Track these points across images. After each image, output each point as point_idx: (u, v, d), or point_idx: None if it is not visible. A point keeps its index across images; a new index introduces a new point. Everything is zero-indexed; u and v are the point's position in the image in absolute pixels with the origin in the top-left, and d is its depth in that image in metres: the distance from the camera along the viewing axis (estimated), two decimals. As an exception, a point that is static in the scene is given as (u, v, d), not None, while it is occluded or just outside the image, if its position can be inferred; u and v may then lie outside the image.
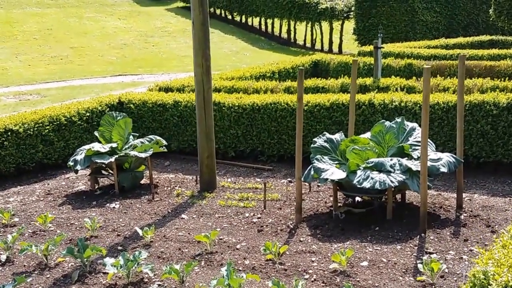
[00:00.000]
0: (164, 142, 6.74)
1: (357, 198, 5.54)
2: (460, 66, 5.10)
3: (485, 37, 16.52)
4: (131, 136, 6.80)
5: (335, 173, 5.08)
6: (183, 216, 5.50)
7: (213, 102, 7.43)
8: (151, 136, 6.83)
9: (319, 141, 5.49)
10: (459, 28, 20.21)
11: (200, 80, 6.21)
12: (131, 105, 7.98)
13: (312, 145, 5.49)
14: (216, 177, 6.46)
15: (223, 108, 7.48)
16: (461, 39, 16.06)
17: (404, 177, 4.92)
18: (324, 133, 5.62)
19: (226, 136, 7.55)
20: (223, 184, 6.50)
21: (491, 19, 18.79)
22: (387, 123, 5.49)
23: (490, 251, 2.93)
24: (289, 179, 6.56)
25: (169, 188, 6.45)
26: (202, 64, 6.16)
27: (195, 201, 5.94)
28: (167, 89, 8.83)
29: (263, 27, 23.71)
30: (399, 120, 5.52)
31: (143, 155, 6.45)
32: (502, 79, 7.97)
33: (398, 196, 5.58)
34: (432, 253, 4.32)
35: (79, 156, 6.41)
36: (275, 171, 7.10)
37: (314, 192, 6.05)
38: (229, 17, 25.46)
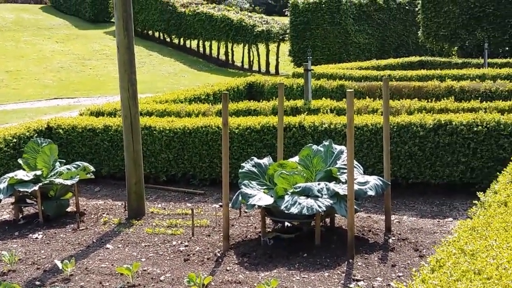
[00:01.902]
0: (92, 168, 6.52)
1: (286, 223, 5.47)
2: (384, 89, 5.15)
3: (414, 58, 17.01)
4: (57, 163, 6.55)
5: (263, 198, 5.00)
6: (108, 246, 5.29)
7: (144, 126, 7.31)
8: (78, 163, 6.60)
9: (247, 166, 5.41)
10: (391, 50, 20.77)
11: (126, 105, 6.06)
12: (60, 130, 7.72)
13: (240, 170, 5.40)
14: (144, 204, 6.28)
15: (154, 132, 7.33)
16: (391, 60, 16.47)
17: (331, 201, 4.89)
18: (252, 157, 5.54)
19: (157, 160, 7.39)
20: (152, 210, 6.33)
21: (420, 40, 19.41)
22: (315, 146, 5.47)
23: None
24: (220, 203, 6.44)
25: (96, 216, 6.23)
26: (128, 89, 6.01)
27: (122, 229, 5.73)
28: (99, 113, 8.61)
29: (201, 49, 23.71)
30: (327, 143, 5.51)
31: (69, 182, 6.21)
32: (430, 100, 8.15)
33: (328, 220, 5.54)
34: (360, 280, 4.28)
35: (2, 185, 6.12)
36: (207, 195, 6.98)
37: (244, 217, 5.96)
38: (168, 39, 25.35)
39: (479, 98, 8.78)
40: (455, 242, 2.73)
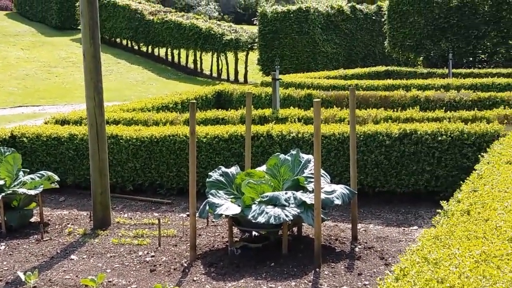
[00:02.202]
0: (56, 178, 6.42)
1: (254, 233, 5.46)
2: (351, 98, 5.19)
3: (381, 68, 17.23)
4: (21, 172, 6.43)
5: (230, 208, 4.99)
6: (72, 257, 5.20)
7: (110, 135, 7.24)
8: (42, 172, 6.49)
9: (215, 175, 5.39)
10: (358, 59, 21.01)
11: (92, 114, 5.99)
12: (24, 139, 7.59)
13: (207, 179, 5.38)
14: (110, 214, 6.21)
15: (121, 141, 7.25)
16: (359, 70, 16.65)
17: (299, 210, 4.90)
18: (220, 167, 5.53)
19: (124, 169, 7.32)
20: (118, 220, 6.25)
21: (386, 50, 19.68)
22: (282, 156, 5.48)
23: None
24: (187, 213, 6.39)
25: (60, 226, 6.13)
26: (94, 97, 5.94)
27: (87, 239, 5.65)
28: (64, 122, 8.49)
29: (169, 57, 23.60)
30: (294, 152, 5.53)
31: (32, 192, 6.10)
32: (396, 109, 8.25)
33: (295, 229, 5.55)
34: (326, 289, 4.30)
35: (-37, 195, 5.98)
36: (174, 204, 6.94)
37: (212, 227, 5.93)
38: (136, 47, 25.17)
39: (444, 107, 8.96)
40: (418, 251, 2.76)
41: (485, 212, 3.20)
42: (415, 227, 5.84)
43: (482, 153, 5.33)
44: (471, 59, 18.23)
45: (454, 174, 6.22)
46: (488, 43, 17.41)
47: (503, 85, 11.04)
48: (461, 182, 4.52)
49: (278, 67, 8.67)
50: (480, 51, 17.89)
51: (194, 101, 8.96)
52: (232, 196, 5.27)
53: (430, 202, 6.39)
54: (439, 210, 3.69)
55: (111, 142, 7.23)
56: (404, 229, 5.76)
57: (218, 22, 23.12)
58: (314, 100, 4.60)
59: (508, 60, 17.34)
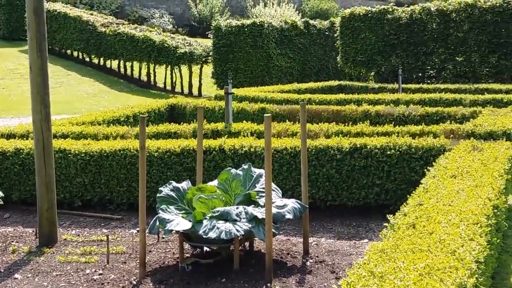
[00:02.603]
0: (1, 194, 6.23)
1: (205, 248, 5.41)
2: (302, 113, 5.22)
3: (334, 82, 17.46)
4: (-37, 188, 6.22)
5: (181, 223, 4.92)
6: (16, 276, 5.04)
7: (58, 149, 7.08)
8: (-14, 188, 6.29)
9: (165, 190, 5.32)
10: (312, 73, 21.25)
11: (39, 128, 5.84)
12: (-33, 153, 7.35)
13: (158, 195, 5.31)
14: (57, 231, 6.04)
15: (69, 155, 7.10)
16: (312, 84, 16.83)
17: (250, 225, 4.87)
18: (171, 181, 5.47)
19: (72, 185, 7.17)
20: (66, 237, 6.09)
21: (339, 65, 19.98)
22: (234, 170, 5.46)
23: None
24: (137, 229, 6.28)
25: (4, 244, 5.93)
26: (40, 111, 5.80)
27: (32, 258, 5.48)
28: (10, 136, 8.26)
29: (122, 69, 23.33)
30: (246, 167, 5.51)
31: (-25, 208, 5.90)
32: (348, 123, 8.34)
33: (247, 244, 5.52)
34: (276, 303, 4.28)
35: None
36: (124, 220, 6.82)
37: (163, 243, 5.84)
38: (87, 59, 24.79)
39: (393, 122, 9.12)
40: (365, 265, 2.77)
41: (430, 226, 3.24)
42: (366, 240, 5.89)
43: (428, 167, 5.42)
44: (420, 74, 18.67)
45: (403, 187, 6.31)
46: (436, 60, 17.85)
47: (450, 100, 11.33)
48: (409, 195, 4.59)
49: (231, 81, 8.67)
50: (429, 67, 18.34)
51: (145, 115, 8.86)
52: (183, 212, 5.21)
53: (380, 215, 6.46)
54: (386, 224, 3.73)
55: (58, 156, 7.07)
56: (355, 242, 5.80)
57: (172, 35, 23.01)
58: (264, 115, 4.61)
59: (455, 76, 17.81)
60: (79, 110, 14.59)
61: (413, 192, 4.43)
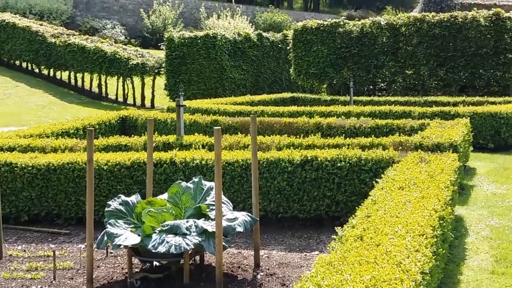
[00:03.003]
0: None
1: (155, 263, 5.34)
2: (252, 126, 5.23)
3: (287, 94, 17.59)
4: None
5: (129, 238, 4.85)
6: (-43, 294, 4.86)
7: (4, 163, 6.89)
8: None
9: (114, 204, 5.23)
10: (265, 85, 21.37)
11: (-17, 140, 5.68)
12: None
13: (106, 209, 5.21)
14: (2, 247, 5.87)
15: (15, 169, 6.91)
16: (265, 96, 16.90)
17: (200, 239, 4.83)
18: (120, 195, 5.38)
19: (18, 199, 6.97)
20: (11, 253, 5.92)
21: (292, 77, 20.16)
22: (184, 183, 5.41)
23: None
24: (86, 244, 6.15)
25: None
26: (-15, 123, 5.65)
27: (-25, 275, 5.30)
28: (-47, 148, 7.99)
29: (72, 81, 22.91)
30: (196, 180, 5.48)
31: None
32: (300, 135, 8.40)
33: (198, 258, 5.48)
34: (226, 317, 4.24)
35: None
36: (72, 235, 6.67)
37: (111, 258, 5.74)
38: (36, 70, 24.27)
39: (344, 134, 9.23)
40: (312, 278, 2.78)
41: (377, 237, 3.28)
42: (317, 252, 5.92)
43: (377, 179, 5.50)
44: (371, 87, 19.01)
45: (353, 199, 6.38)
46: (387, 72, 18.20)
47: (400, 112, 11.54)
48: (359, 207, 4.64)
49: (182, 93, 8.63)
50: (380, 80, 18.69)
51: (95, 127, 8.72)
52: (132, 226, 5.13)
53: (331, 227, 6.47)
54: (334, 236, 3.76)
55: (4, 170, 6.88)
56: (306, 255, 5.82)
57: (124, 46, 22.78)
58: (214, 128, 4.59)
59: (405, 88, 18.21)
60: (27, 122, 14.25)
61: (362, 204, 4.48)
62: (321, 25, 18.81)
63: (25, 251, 6.04)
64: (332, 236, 4.05)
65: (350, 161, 6.39)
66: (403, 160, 5.96)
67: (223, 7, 35.85)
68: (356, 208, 4.51)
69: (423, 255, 3.52)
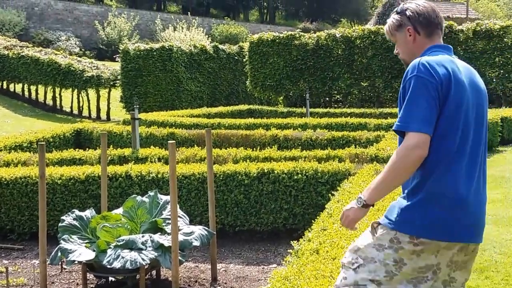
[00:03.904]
0: None
1: (111, 278, 5.26)
2: (207, 139, 5.23)
3: (243, 106, 17.62)
4: None
5: (83, 253, 4.77)
6: None
7: (-48, 178, 6.69)
8: None
9: (68, 219, 5.15)
10: (222, 97, 21.37)
11: None
12: None
13: (60, 224, 5.12)
14: (-49, 265, 5.69)
15: (-35, 184, 6.72)
16: (222, 108, 16.90)
17: (156, 254, 4.79)
18: (74, 210, 5.30)
19: (-32, 215, 6.78)
20: (-39, 271, 5.75)
21: (248, 89, 20.22)
22: (139, 197, 5.37)
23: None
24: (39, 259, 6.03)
25: None
26: None
27: None
28: None
29: (26, 93, 22.42)
30: (152, 193, 5.43)
31: None
32: (257, 148, 8.42)
33: (154, 272, 5.43)
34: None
35: None
36: (26, 250, 6.52)
37: (66, 273, 5.63)
38: (-11, 83, 23.66)
39: (301, 146, 9.30)
40: (269, 293, 2.79)
41: (333, 251, 3.32)
42: (274, 265, 5.93)
43: (333, 192, 5.56)
44: (327, 99, 19.23)
45: (310, 211, 6.43)
46: (342, 84, 18.44)
47: (356, 124, 11.69)
48: (316, 219, 4.68)
49: (137, 106, 8.56)
50: (336, 92, 18.91)
51: (50, 140, 8.56)
52: (86, 241, 5.06)
53: (289, 239, 6.47)
54: (290, 250, 3.78)
55: (-46, 185, 6.69)
56: (263, 268, 5.83)
57: (79, 58, 22.47)
58: (168, 142, 4.58)
59: (360, 100, 18.49)
60: (-22, 135, 13.86)
61: (318, 216, 4.52)
62: (277, 38, 18.97)
63: (-25, 268, 5.87)
64: (288, 250, 4.07)
65: (307, 174, 6.44)
66: (358, 172, 6.04)
67: (179, 19, 35.70)
68: (313, 220, 4.55)
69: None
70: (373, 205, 2.61)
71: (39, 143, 4.80)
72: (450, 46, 2.77)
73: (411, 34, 2.73)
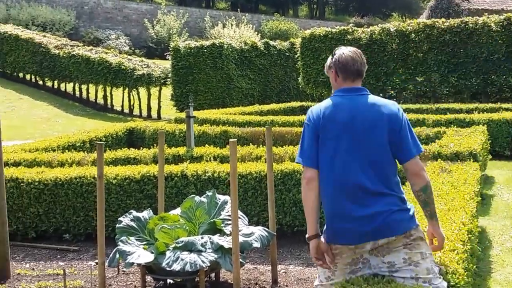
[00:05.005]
0: None
1: (169, 281, 5.11)
2: (267, 137, 5.02)
3: (296, 103, 17.35)
4: None
5: (142, 256, 4.63)
6: (-37, 317, 4.65)
7: (10, 178, 6.69)
8: None
9: (125, 220, 5.02)
10: (273, 94, 21.12)
11: (-12, 156, 5.49)
12: None
13: (117, 225, 5.01)
14: (9, 265, 5.66)
15: (22, 184, 6.71)
16: (274, 105, 16.67)
17: (216, 256, 4.61)
18: (131, 211, 5.17)
19: (25, 215, 6.76)
20: (19, 272, 5.72)
21: (300, 86, 19.90)
22: (197, 198, 5.20)
23: None
24: (96, 261, 5.92)
25: (-48, 281, 5.52)
26: (-10, 138, 5.45)
27: (-19, 296, 5.09)
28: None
29: (77, 92, 22.64)
30: (210, 193, 5.26)
31: None
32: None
33: (213, 275, 5.26)
34: None
35: None
36: (82, 251, 6.45)
37: (123, 275, 5.52)
38: (40, 82, 24.02)
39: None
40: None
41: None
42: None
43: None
44: (381, 95, 18.66)
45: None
46: (397, 80, 17.88)
47: (413, 120, 11.10)
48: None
49: (192, 104, 8.40)
50: (390, 87, 18.34)
51: (102, 141, 8.45)
52: (144, 243, 4.92)
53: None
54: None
55: (10, 186, 6.67)
56: (324, 270, 5.58)
57: (129, 57, 22.55)
58: (230, 140, 4.38)
59: (416, 96, 17.90)
60: (32, 136, 14.06)
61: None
62: (329, 33, 18.54)
63: (33, 269, 5.84)
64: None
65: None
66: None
67: (228, 16, 35.64)
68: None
69: (454, 272, 3.30)
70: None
71: (97, 142, 4.69)
72: (355, 87, 3.43)
73: (334, 75, 3.46)
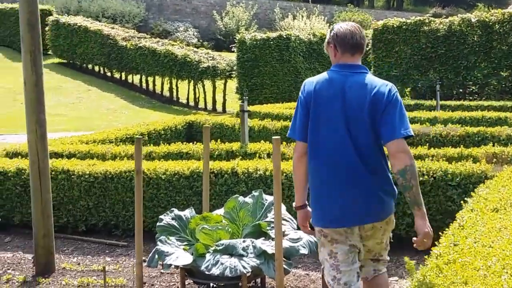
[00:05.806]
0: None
1: (212, 284, 4.83)
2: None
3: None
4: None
5: (180, 257, 4.37)
6: (2, 312, 4.54)
7: (61, 170, 6.64)
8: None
9: (166, 218, 4.78)
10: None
11: (34, 149, 5.42)
12: (-33, 173, 6.91)
13: (158, 224, 4.78)
14: (54, 259, 5.57)
15: (73, 176, 6.62)
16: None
17: (258, 261, 4.29)
18: (173, 209, 4.93)
19: (75, 208, 6.68)
20: (65, 266, 5.62)
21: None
22: (241, 198, 4.88)
23: None
24: (143, 258, 5.74)
25: (0, 271, 5.48)
26: (35, 130, 5.38)
27: (24, 289, 4.99)
28: (16, 154, 7.83)
29: (144, 84, 22.81)
30: (256, 193, 4.93)
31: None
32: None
33: (259, 280, 4.93)
34: None
35: None
36: (130, 247, 6.29)
37: (167, 276, 5.29)
38: (108, 74, 24.33)
39: (429, 143, 8.31)
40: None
41: (464, 273, 2.63)
42: (396, 278, 5.24)
43: (466, 198, 4.73)
44: (461, 90, 17.63)
45: (438, 219, 5.60)
46: (479, 74, 16.79)
47: (494, 119, 10.28)
48: (445, 227, 3.97)
49: (246, 97, 8.11)
50: (471, 83, 17.26)
51: (161, 132, 8.23)
52: (185, 243, 4.66)
53: (415, 249, 5.77)
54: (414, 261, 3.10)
55: (62, 177, 6.61)
56: (382, 280, 5.14)
57: (195, 49, 22.47)
58: (273, 137, 4.03)
59: (500, 92, 16.75)
60: (98, 127, 14.17)
61: (447, 228, 3.78)
62: (404, 24, 17.68)
63: (79, 264, 5.74)
64: (413, 261, 3.42)
65: (435, 175, 5.63)
66: (497, 175, 5.13)
67: (299, 7, 35.02)
68: (441, 231, 3.81)
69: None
70: None
71: (136, 136, 4.46)
72: (353, 64, 3.34)
73: (333, 51, 3.39)
